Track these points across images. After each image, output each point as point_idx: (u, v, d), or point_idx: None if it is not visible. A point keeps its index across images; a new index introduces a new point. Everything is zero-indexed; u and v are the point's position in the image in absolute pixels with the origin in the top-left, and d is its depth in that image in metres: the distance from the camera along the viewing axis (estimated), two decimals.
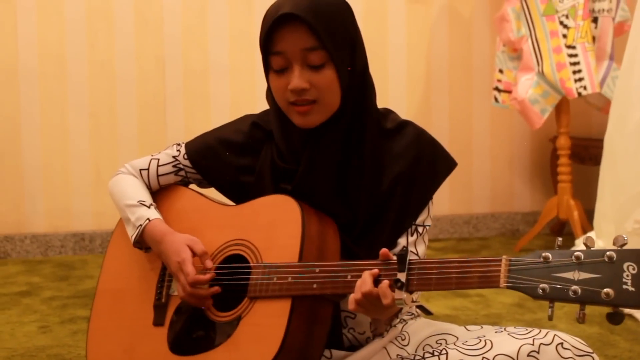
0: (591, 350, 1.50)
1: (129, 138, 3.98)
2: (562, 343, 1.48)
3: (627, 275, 1.21)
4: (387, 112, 1.69)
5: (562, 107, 3.70)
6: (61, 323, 2.70)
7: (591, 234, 3.14)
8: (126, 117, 3.98)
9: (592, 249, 1.25)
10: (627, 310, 1.50)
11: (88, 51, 3.93)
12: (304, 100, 1.55)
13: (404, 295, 1.37)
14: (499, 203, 4.36)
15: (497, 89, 3.76)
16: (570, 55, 3.46)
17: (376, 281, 1.42)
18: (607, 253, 1.22)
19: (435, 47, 4.20)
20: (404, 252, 1.40)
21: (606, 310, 1.24)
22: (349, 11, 1.60)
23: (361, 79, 1.61)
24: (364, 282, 1.41)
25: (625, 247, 1.23)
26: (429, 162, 1.62)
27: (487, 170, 4.32)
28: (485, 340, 1.52)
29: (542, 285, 1.26)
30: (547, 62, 3.49)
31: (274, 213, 1.57)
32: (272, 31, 1.54)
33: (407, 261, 1.39)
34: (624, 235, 1.24)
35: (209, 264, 1.58)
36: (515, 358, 1.47)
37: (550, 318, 1.28)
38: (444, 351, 1.53)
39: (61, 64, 3.91)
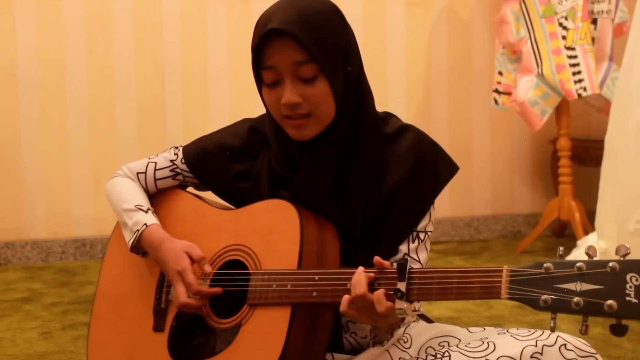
0: (594, 351, 1.49)
1: (129, 143, 3.97)
2: (565, 344, 1.46)
3: (630, 287, 1.19)
4: (388, 117, 1.67)
5: (562, 108, 3.70)
6: (62, 329, 2.70)
7: (592, 235, 3.13)
8: (125, 123, 3.97)
9: (594, 259, 1.23)
10: None
11: (87, 57, 3.93)
12: (298, 114, 1.53)
13: (404, 305, 1.36)
14: (500, 205, 4.36)
15: (496, 91, 3.76)
16: (570, 57, 3.46)
17: (372, 289, 1.41)
18: (610, 264, 1.21)
19: (434, 50, 4.20)
20: (404, 261, 1.38)
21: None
22: (339, 18, 1.57)
23: (356, 85, 1.58)
24: (359, 284, 1.39)
25: (628, 257, 1.21)
26: (429, 167, 1.61)
27: (487, 173, 4.32)
28: (487, 342, 1.51)
29: (544, 297, 1.25)
30: (547, 63, 3.49)
31: (272, 218, 1.55)
32: (261, 45, 1.52)
33: (408, 270, 1.38)
34: (627, 245, 1.22)
35: (208, 268, 1.57)
36: None
37: (552, 330, 1.28)
38: (446, 354, 1.51)
39: (60, 70, 3.91)
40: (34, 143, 3.91)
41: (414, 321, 1.71)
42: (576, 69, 3.44)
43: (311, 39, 1.49)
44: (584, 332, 1.24)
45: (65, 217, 3.97)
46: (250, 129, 1.70)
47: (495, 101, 3.77)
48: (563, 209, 3.76)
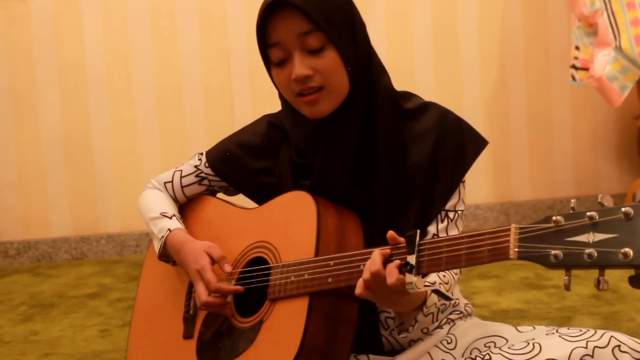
0: None
1: (197, 134, 3.96)
2: (619, 345, 1.34)
3: None
4: (408, 95, 1.59)
5: None
6: (122, 326, 2.69)
7: None
8: (193, 114, 3.96)
9: (606, 207, 1.11)
10: None
11: (153, 49, 3.93)
12: (310, 89, 1.46)
13: (413, 278, 1.26)
14: (584, 186, 4.16)
15: (574, 66, 3.56)
16: None
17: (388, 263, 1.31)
18: (623, 209, 1.08)
19: (508, 25, 4.02)
20: (413, 233, 1.29)
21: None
22: None
23: (367, 59, 1.50)
24: (373, 262, 1.30)
25: None
26: (455, 143, 1.51)
27: (569, 152, 4.12)
28: (533, 344, 1.39)
29: (554, 252, 1.12)
30: (625, 36, 3.28)
31: (290, 210, 1.50)
32: (264, 22, 1.47)
33: (417, 243, 1.28)
34: None
35: (228, 268, 1.53)
36: None
37: (567, 288, 1.14)
38: (487, 356, 1.41)
39: (127, 63, 3.92)
40: (105, 137, 3.94)
41: (460, 317, 1.61)
42: None
43: (314, 8, 1.43)
44: (602, 288, 1.11)
45: (139, 211, 3.98)
46: (269, 124, 1.66)
47: (573, 77, 3.57)
48: None
